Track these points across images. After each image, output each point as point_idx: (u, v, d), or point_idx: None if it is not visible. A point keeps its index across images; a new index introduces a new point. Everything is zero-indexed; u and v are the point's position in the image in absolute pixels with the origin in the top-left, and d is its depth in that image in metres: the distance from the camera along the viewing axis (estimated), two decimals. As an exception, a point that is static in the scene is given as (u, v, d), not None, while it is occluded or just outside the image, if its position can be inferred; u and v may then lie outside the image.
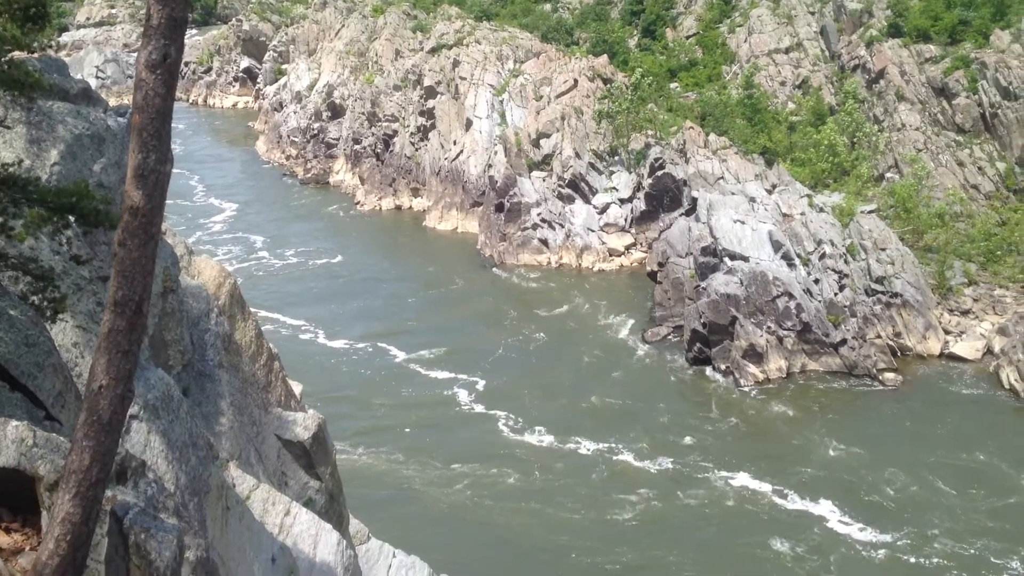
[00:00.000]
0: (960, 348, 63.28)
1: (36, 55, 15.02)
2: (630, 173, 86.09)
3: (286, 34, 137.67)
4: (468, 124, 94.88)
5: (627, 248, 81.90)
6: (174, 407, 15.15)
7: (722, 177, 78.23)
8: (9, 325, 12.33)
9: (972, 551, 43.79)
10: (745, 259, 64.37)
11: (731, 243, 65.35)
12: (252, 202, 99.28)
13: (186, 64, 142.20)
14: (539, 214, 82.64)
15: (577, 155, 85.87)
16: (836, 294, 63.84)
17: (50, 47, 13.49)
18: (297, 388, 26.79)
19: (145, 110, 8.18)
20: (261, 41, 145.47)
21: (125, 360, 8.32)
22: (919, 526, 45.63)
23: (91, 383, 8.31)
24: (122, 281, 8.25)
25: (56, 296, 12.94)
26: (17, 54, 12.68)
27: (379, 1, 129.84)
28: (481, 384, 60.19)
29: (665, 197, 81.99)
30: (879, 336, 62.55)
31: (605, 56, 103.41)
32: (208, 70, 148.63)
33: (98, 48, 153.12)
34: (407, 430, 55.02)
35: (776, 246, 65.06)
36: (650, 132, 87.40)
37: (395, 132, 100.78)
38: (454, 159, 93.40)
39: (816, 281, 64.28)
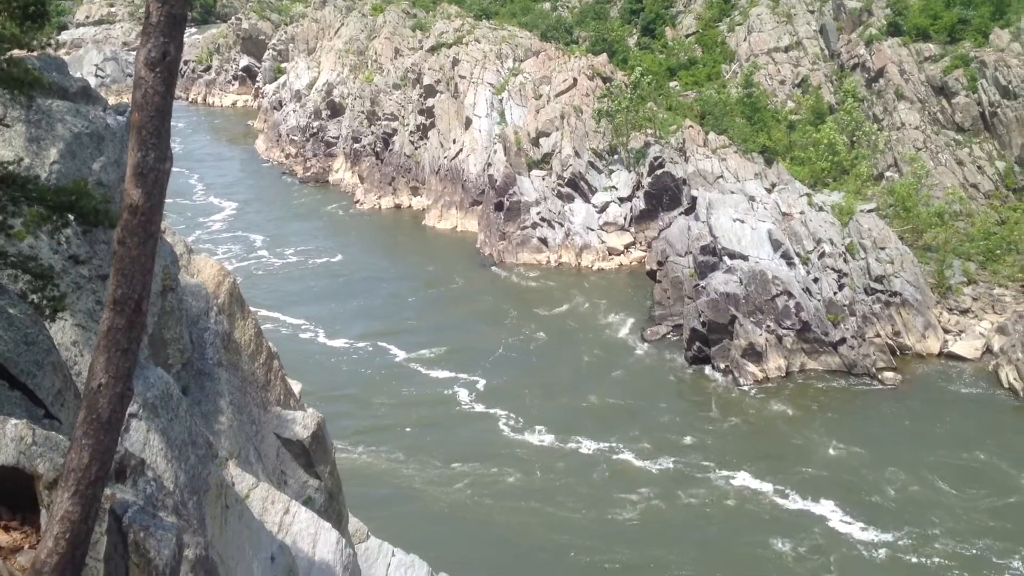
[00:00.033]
0: (959, 347, 63.31)
1: (35, 53, 15.02)
2: (629, 172, 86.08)
3: (285, 32, 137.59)
4: (467, 123, 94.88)
5: (626, 247, 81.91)
6: (173, 406, 15.15)
7: (721, 176, 78.24)
8: (8, 323, 12.33)
9: (973, 551, 43.79)
10: (744, 258, 64.38)
11: (730, 242, 65.36)
12: (251, 201, 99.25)
13: (185, 62, 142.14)
14: (538, 213, 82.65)
15: (576, 154, 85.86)
16: (835, 293, 63.85)
17: (49, 45, 13.49)
18: (296, 387, 26.79)
19: (144, 108, 8.17)
20: (260, 39, 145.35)
21: (124, 358, 8.31)
22: (920, 526, 45.63)
23: (90, 381, 8.31)
24: (121, 279, 8.24)
25: (55, 294, 12.93)
26: (16, 52, 12.66)
27: None
28: (481, 383, 60.19)
29: (664, 196, 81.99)
30: (878, 335, 62.57)
31: (604, 55, 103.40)
32: (207, 68, 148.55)
33: (97, 46, 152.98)
34: (407, 429, 55.03)
35: (775, 245, 65.07)
36: (649, 131, 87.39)
37: (394, 131, 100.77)
38: (453, 158, 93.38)
39: (815, 280, 64.30)
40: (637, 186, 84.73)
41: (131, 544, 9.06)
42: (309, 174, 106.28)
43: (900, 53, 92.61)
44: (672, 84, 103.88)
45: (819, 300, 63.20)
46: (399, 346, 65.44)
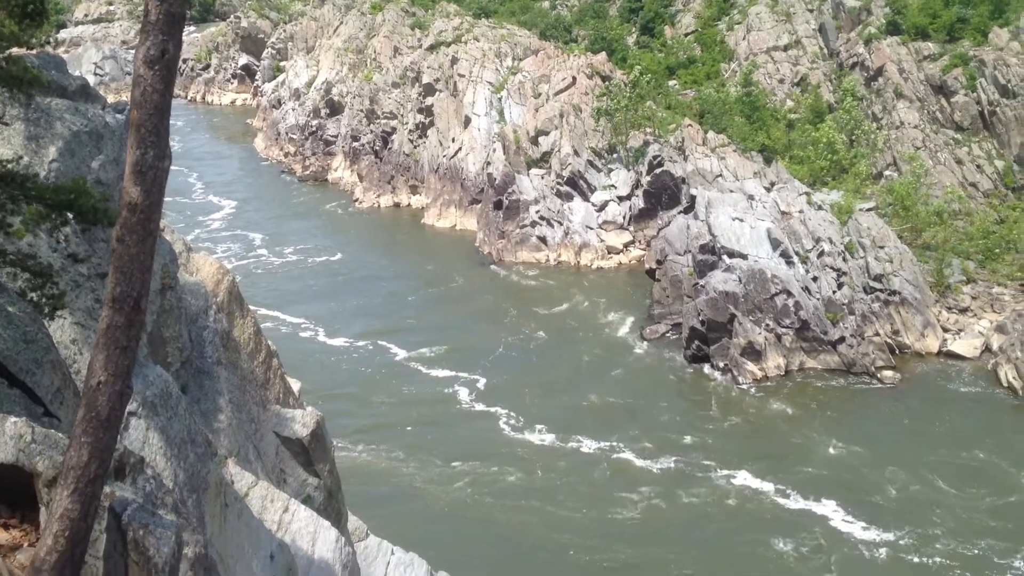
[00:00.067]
0: (958, 346, 63.33)
1: (34, 51, 15.01)
2: (629, 171, 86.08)
3: (284, 31, 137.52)
4: (467, 121, 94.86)
5: (625, 246, 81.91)
6: (172, 404, 15.15)
7: (720, 175, 78.25)
8: (8, 322, 12.33)
9: (975, 551, 43.75)
10: (743, 257, 64.39)
11: (729, 241, 65.37)
12: (250, 199, 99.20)
13: (184, 61, 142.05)
14: (538, 212, 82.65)
15: (576, 153, 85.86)
16: (834, 292, 63.87)
17: (48, 43, 13.49)
18: (295, 385, 26.79)
19: (143, 106, 8.18)
20: (259, 38, 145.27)
21: (123, 356, 8.32)
22: (920, 525, 45.60)
23: (89, 379, 8.32)
24: (120, 277, 8.25)
25: (55, 293, 12.93)
26: (15, 50, 12.66)
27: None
28: (481, 382, 60.19)
29: (664, 195, 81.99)
30: (877, 334, 62.59)
31: (604, 53, 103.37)
32: (206, 67, 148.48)
33: (96, 45, 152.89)
34: (407, 428, 55.03)
35: (774, 244, 65.08)
36: (649, 130, 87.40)
37: (393, 129, 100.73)
38: (452, 156, 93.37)
39: (814, 279, 64.32)
40: (636, 185, 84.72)
41: (130, 542, 9.07)
42: (308, 173, 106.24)
43: (899, 52, 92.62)
44: (671, 83, 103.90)
45: (818, 299, 63.22)
46: (399, 345, 65.44)
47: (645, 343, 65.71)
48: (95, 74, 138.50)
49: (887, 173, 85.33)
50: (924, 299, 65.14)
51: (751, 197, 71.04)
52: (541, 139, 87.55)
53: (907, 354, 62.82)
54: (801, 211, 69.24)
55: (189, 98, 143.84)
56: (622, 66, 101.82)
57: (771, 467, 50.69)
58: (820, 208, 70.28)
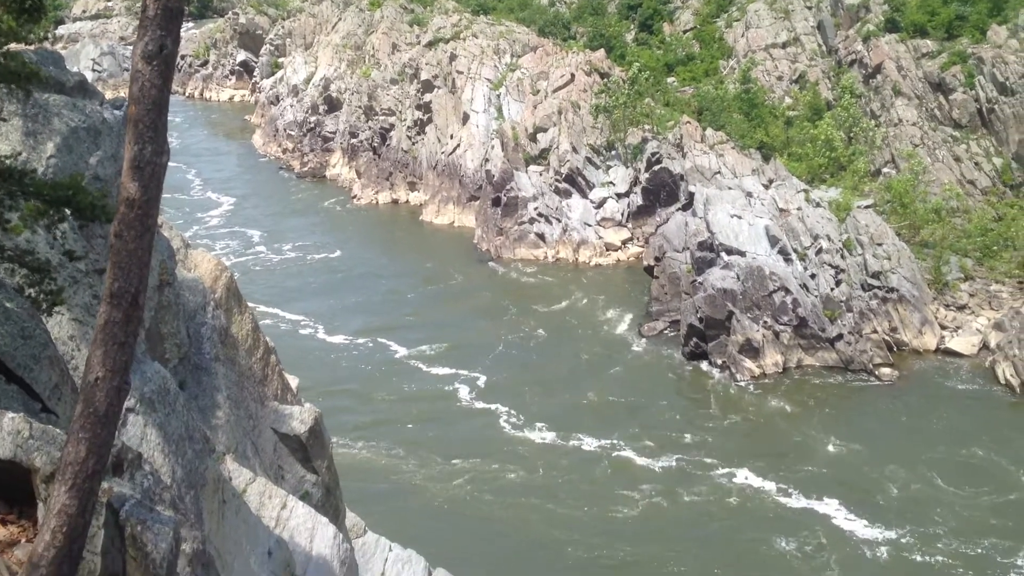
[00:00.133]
0: (956, 343, 63.39)
1: (32, 47, 14.99)
2: (627, 168, 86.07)
3: (282, 27, 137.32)
4: (465, 118, 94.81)
5: (624, 243, 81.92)
6: (170, 400, 15.15)
7: (719, 172, 78.24)
8: (5, 318, 12.32)
9: (976, 549, 43.77)
10: (742, 254, 64.41)
11: (728, 238, 65.39)
12: (249, 196, 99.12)
13: (182, 57, 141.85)
14: (536, 208, 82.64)
15: (574, 149, 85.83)
16: (832, 289, 63.91)
17: (46, 39, 13.46)
18: (293, 382, 26.79)
19: (141, 101, 8.17)
20: (257, 34, 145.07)
21: (121, 352, 8.31)
22: (921, 523, 45.62)
23: (87, 375, 8.31)
24: (118, 273, 8.24)
25: (53, 288, 12.92)
26: (13, 46, 12.64)
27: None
28: (481, 380, 60.19)
29: (662, 192, 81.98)
30: (875, 331, 62.65)
31: (602, 50, 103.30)
32: (204, 63, 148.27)
33: (94, 41, 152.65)
34: (407, 425, 55.04)
35: (773, 241, 65.11)
36: (647, 127, 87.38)
37: (392, 126, 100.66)
38: (451, 153, 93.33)
39: (812, 276, 64.36)
40: (634, 182, 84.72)
41: (128, 538, 9.07)
42: (306, 169, 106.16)
43: (898, 49, 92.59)
44: (670, 80, 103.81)
45: (816, 296, 63.26)
46: (398, 342, 65.44)
47: (643, 340, 65.73)
48: (93, 70, 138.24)
49: (885, 170, 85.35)
50: (922, 296, 65.18)
51: (749, 194, 71.06)
52: (539, 136, 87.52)
53: (905, 351, 62.88)
54: (799, 208, 69.27)
55: (187, 94, 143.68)
56: (621, 63, 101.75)
57: (771, 465, 50.71)
58: (818, 205, 70.30)
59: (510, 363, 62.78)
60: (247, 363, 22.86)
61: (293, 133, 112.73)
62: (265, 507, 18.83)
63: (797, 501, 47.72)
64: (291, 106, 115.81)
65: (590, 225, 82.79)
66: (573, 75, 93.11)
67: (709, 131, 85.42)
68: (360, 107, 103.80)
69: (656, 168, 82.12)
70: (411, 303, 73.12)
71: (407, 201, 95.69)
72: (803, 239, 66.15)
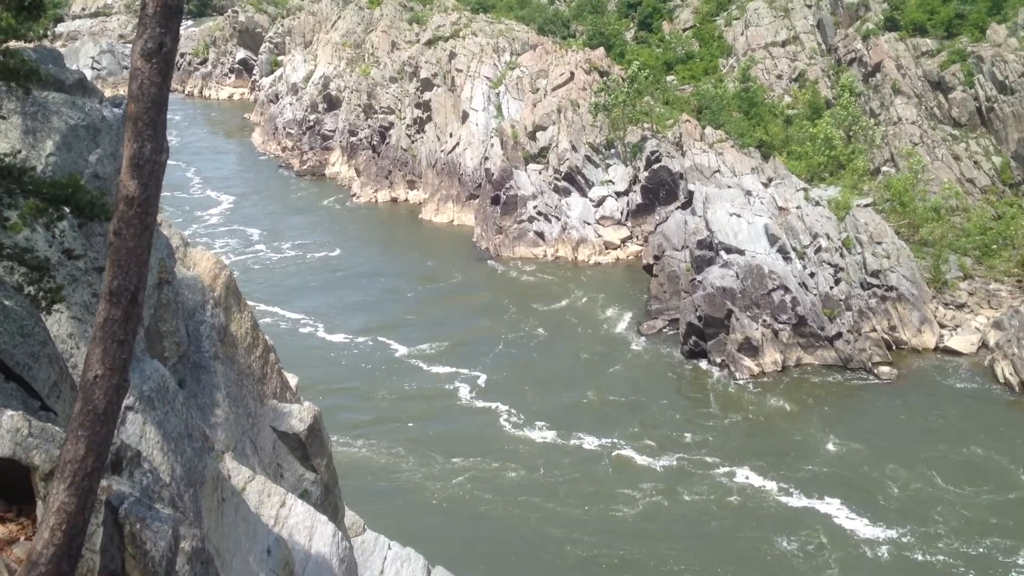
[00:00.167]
0: (955, 342, 63.41)
1: (31, 45, 14.97)
2: (626, 166, 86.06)
3: (282, 25, 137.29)
4: (464, 116, 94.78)
5: (623, 241, 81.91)
6: (170, 398, 15.14)
7: (718, 170, 78.24)
8: (4, 316, 12.31)
9: (976, 547, 43.78)
10: (741, 252, 64.42)
11: (727, 236, 65.40)
12: (248, 194, 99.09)
13: (182, 55, 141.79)
14: (535, 207, 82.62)
15: (573, 148, 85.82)
16: (831, 288, 63.92)
17: (45, 37, 13.43)
18: (293, 380, 26.79)
19: (140, 99, 8.16)
20: (257, 32, 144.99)
21: (120, 350, 8.30)
22: (922, 522, 45.61)
23: (86, 373, 8.30)
24: (117, 271, 8.23)
25: (52, 286, 12.91)
26: (12, 43, 12.62)
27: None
28: (482, 379, 60.19)
29: (661, 190, 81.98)
30: (874, 330, 62.66)
31: (602, 49, 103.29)
32: (204, 61, 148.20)
33: (94, 39, 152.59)
34: (408, 424, 55.05)
35: (772, 239, 65.11)
36: (646, 125, 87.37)
37: (391, 124, 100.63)
38: (450, 151, 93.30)
39: (812, 275, 64.37)
40: (634, 180, 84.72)
41: (127, 535, 9.07)
42: (305, 167, 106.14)
43: (897, 48, 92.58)
44: (669, 78, 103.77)
45: (815, 295, 63.27)
46: (399, 341, 65.42)
47: (642, 339, 65.74)
48: (92, 68, 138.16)
49: (884, 169, 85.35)
50: (921, 295, 65.20)
51: (749, 193, 71.07)
52: (539, 134, 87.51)
53: (904, 350, 62.90)
54: (798, 207, 69.28)
55: (186, 92, 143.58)
56: (620, 61, 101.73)
57: (771, 464, 50.71)
58: (817, 204, 70.32)
59: (510, 362, 62.77)
60: (246, 361, 22.86)
61: (292, 131, 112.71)
62: (264, 505, 18.83)
63: (797, 500, 47.72)
64: (290, 104, 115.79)
65: (589, 224, 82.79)
66: (572, 73, 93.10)
67: (708, 130, 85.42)
68: (359, 105, 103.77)
69: (655, 166, 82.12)
70: (410, 301, 73.10)
71: (406, 199, 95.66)
72: (802, 238, 66.16)
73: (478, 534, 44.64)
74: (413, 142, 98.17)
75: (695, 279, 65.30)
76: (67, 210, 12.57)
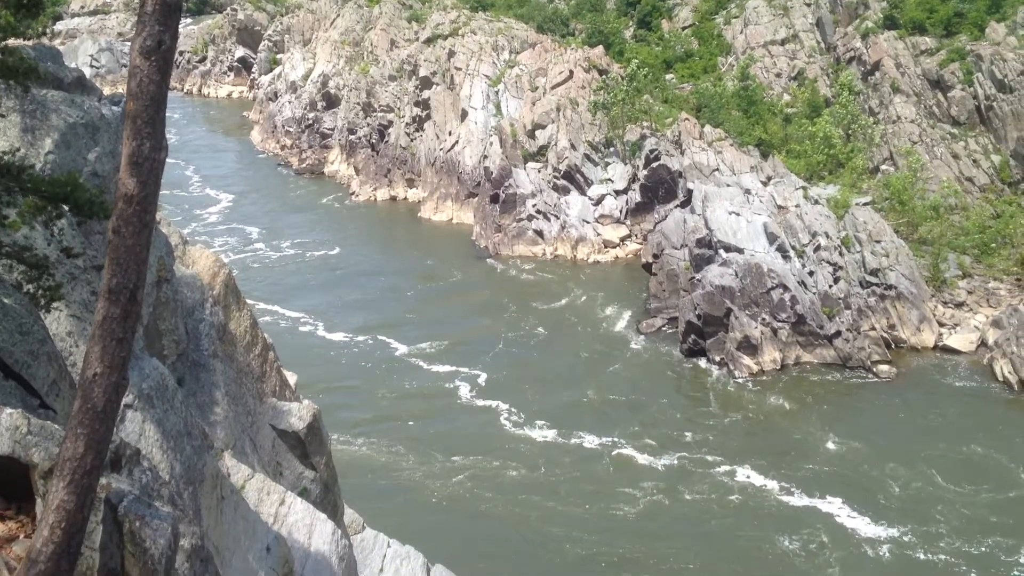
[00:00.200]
0: (954, 340, 63.45)
1: (30, 43, 14.96)
2: (625, 164, 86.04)
3: (281, 23, 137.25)
4: (463, 115, 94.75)
5: (622, 240, 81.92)
6: (169, 396, 15.14)
7: (717, 169, 78.23)
8: (3, 314, 12.30)
9: (977, 546, 43.82)
10: (740, 251, 64.42)
11: (726, 235, 65.40)
12: (247, 192, 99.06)
13: (180, 53, 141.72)
14: (534, 205, 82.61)
15: (572, 146, 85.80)
16: (831, 286, 63.94)
17: (44, 35, 13.43)
18: (292, 378, 26.79)
19: (139, 97, 8.14)
20: (256, 30, 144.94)
21: (119, 348, 8.29)
22: (923, 521, 45.63)
23: (85, 371, 8.30)
24: (116, 269, 8.22)
25: (51, 284, 12.91)
26: (11, 41, 12.61)
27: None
28: (482, 377, 60.20)
29: (660, 189, 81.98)
30: (873, 328, 62.68)
31: (601, 47, 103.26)
32: (203, 59, 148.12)
33: (92, 37, 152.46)
34: (408, 422, 55.06)
35: (771, 238, 65.12)
36: (645, 123, 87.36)
37: (390, 122, 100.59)
38: (449, 150, 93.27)
39: (811, 273, 64.38)
40: (633, 179, 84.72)
41: (127, 533, 9.07)
42: (304, 166, 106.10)
43: (896, 46, 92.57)
44: (668, 77, 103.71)
45: (814, 293, 63.29)
46: (399, 339, 65.42)
47: (642, 337, 65.75)
48: (91, 66, 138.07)
49: (884, 167, 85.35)
50: (920, 293, 65.22)
51: (748, 191, 71.07)
52: (538, 133, 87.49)
53: (903, 348, 62.93)
54: (797, 205, 69.29)
55: (185, 90, 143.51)
56: (619, 60, 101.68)
57: (771, 463, 50.73)
58: (816, 202, 70.33)
59: (510, 360, 62.78)
60: (245, 359, 22.86)
61: (291, 129, 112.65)
62: (263, 503, 18.83)
63: (798, 499, 47.72)
64: (289, 102, 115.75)
65: (588, 222, 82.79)
66: (572, 72, 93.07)
67: (707, 128, 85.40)
68: (358, 103, 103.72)
69: (654, 165, 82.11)
70: (410, 300, 73.10)
71: (405, 198, 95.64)
72: (801, 236, 66.17)
73: (478, 532, 44.64)
74: (412, 140, 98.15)
75: (694, 278, 65.30)
76: (66, 208, 12.57)
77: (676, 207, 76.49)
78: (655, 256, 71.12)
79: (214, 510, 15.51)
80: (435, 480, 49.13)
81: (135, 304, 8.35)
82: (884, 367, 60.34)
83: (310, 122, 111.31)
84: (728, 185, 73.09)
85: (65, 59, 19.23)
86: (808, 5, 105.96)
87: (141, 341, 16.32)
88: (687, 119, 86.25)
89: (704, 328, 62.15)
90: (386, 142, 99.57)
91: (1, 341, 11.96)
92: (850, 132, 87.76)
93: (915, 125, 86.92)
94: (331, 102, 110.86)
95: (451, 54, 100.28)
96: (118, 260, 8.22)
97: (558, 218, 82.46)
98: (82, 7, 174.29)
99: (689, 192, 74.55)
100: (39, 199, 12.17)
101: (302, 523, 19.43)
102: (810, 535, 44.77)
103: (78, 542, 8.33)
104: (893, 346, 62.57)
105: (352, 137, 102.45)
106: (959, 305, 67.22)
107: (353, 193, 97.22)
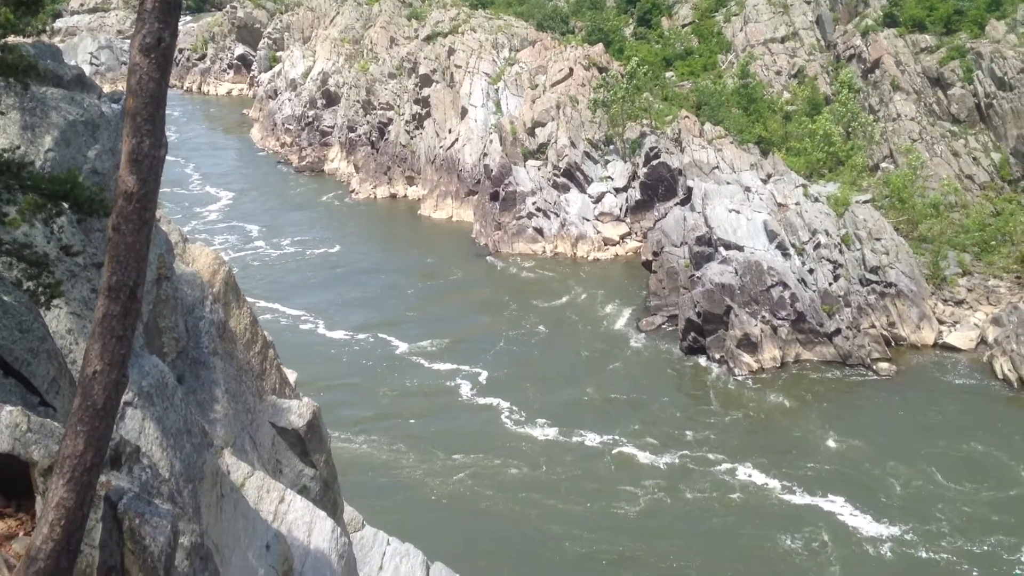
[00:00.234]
0: (954, 338, 63.46)
1: (30, 40, 14.96)
2: (625, 162, 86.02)
3: (281, 21, 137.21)
4: (463, 112, 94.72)
5: (622, 237, 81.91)
6: (168, 394, 15.13)
7: (717, 166, 78.23)
8: (3, 311, 12.30)
9: (978, 545, 43.76)
10: (740, 249, 64.41)
11: (726, 232, 65.38)
12: (247, 190, 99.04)
13: (180, 51, 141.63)
14: (534, 203, 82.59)
15: (572, 144, 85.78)
16: (830, 284, 63.93)
17: (44, 32, 13.43)
18: (292, 376, 26.78)
19: (139, 95, 8.14)
20: (255, 28, 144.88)
21: (119, 345, 8.30)
22: (924, 519, 45.60)
23: (85, 368, 8.30)
24: (116, 266, 8.22)
25: (51, 282, 12.90)
26: (11, 39, 12.60)
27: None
28: (483, 375, 60.17)
29: (660, 186, 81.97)
30: (873, 326, 62.68)
31: (601, 45, 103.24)
32: (202, 57, 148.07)
33: (92, 34, 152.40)
34: (409, 420, 55.03)
35: (771, 236, 65.11)
36: (645, 121, 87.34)
37: (390, 120, 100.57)
38: (449, 148, 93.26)
39: (811, 271, 64.37)
40: (633, 176, 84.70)
41: (126, 531, 9.07)
42: (304, 163, 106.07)
43: (896, 44, 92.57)
44: (668, 74, 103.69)
45: (814, 291, 63.28)
46: (399, 337, 65.41)
47: (642, 335, 65.75)
48: (91, 64, 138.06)
49: (883, 165, 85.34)
50: (920, 291, 65.23)
51: (747, 189, 71.04)
52: (538, 130, 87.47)
53: (903, 346, 62.93)
54: (797, 203, 69.27)
55: (185, 88, 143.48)
56: (619, 57, 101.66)
57: (772, 461, 50.72)
58: (816, 200, 70.32)
59: (510, 358, 62.78)
60: (245, 357, 22.86)
61: (291, 127, 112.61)
62: (263, 501, 18.83)
63: (799, 497, 47.71)
64: (289, 100, 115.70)
65: (588, 220, 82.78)
66: (571, 69, 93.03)
67: (707, 126, 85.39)
68: (358, 101, 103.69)
69: (654, 163, 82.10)
70: (410, 298, 73.09)
71: (405, 195, 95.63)
72: (801, 234, 66.16)
73: (478, 530, 44.65)
74: (412, 138, 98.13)
75: (694, 275, 65.30)
76: (66, 206, 12.57)
77: (676, 205, 76.47)
78: (655, 254, 71.12)
79: (214, 508, 15.51)
80: (435, 478, 49.13)
81: (135, 301, 8.35)
82: (884, 365, 60.34)
83: (310, 120, 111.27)
84: (728, 183, 73.08)
85: (65, 57, 19.23)
86: (808, 3, 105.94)
87: (141, 339, 16.32)
88: (687, 117, 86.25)
89: (704, 326, 62.16)
90: (386, 140, 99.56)
91: (1, 339, 11.96)
92: (850, 130, 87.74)
93: (915, 123, 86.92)
94: (331, 100, 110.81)
95: (451, 52, 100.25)
96: (118, 257, 8.23)
97: (558, 216, 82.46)
98: (82, 5, 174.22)
99: (689, 190, 74.53)
100: (39, 197, 12.17)
101: (302, 521, 19.43)
102: (811, 533, 44.76)
103: (78, 539, 8.33)
104: (893, 344, 62.58)
105: (352, 135, 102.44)
106: (959, 303, 67.23)
107: (353, 191, 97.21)
